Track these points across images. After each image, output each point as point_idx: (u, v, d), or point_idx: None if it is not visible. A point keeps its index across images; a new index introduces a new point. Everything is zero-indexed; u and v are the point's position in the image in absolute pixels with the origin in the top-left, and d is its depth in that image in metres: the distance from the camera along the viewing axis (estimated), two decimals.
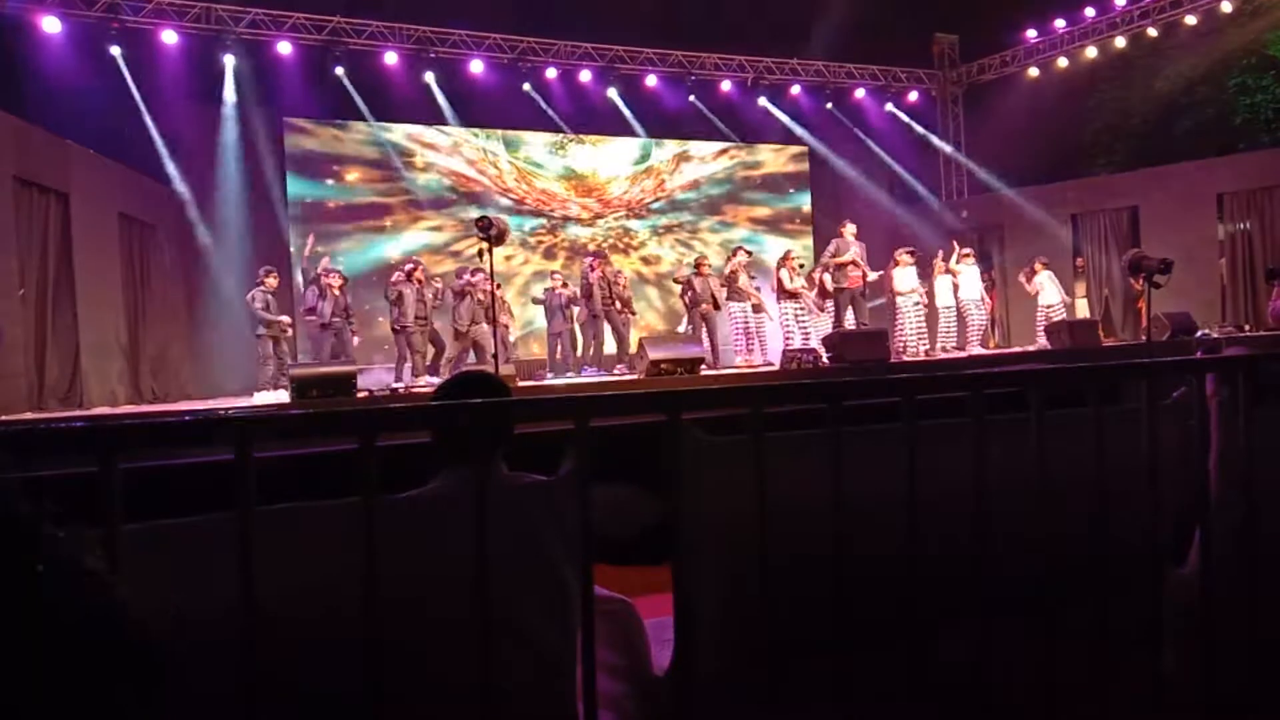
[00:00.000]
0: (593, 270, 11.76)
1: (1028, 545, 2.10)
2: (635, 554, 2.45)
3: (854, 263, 12.01)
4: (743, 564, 1.87)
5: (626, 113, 15.41)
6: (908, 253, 12.63)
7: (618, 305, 11.83)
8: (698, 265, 12.10)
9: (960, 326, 12.90)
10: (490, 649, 1.63)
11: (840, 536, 1.90)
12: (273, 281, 10.84)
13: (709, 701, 1.88)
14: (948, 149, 17.40)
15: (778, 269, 12.13)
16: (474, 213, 13.89)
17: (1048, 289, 13.04)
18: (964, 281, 12.82)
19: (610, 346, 12.10)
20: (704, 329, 11.73)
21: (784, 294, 11.90)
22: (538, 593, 1.77)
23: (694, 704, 1.90)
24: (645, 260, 16.25)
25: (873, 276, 12.73)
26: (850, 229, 12.35)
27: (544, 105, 14.88)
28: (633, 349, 11.64)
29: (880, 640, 1.95)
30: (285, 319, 10.88)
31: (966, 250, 13.25)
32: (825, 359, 9.78)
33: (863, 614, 1.92)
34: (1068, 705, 2.12)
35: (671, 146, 16.58)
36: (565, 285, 12.14)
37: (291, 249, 13.65)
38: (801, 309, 11.95)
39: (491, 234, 8.36)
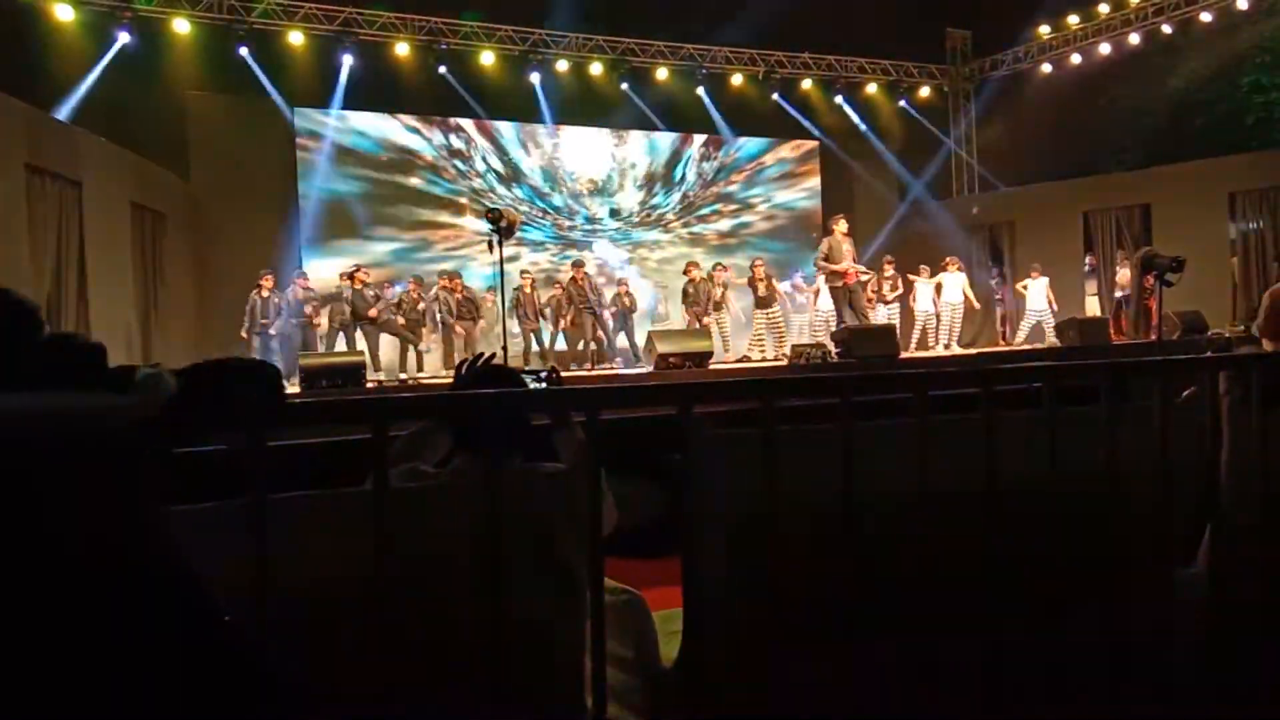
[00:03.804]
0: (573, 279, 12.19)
1: (1037, 542, 2.09)
2: (643, 546, 2.46)
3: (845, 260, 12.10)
4: (751, 557, 1.87)
5: (637, 107, 15.37)
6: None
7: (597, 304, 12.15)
8: (688, 270, 12.69)
9: (940, 326, 13.72)
10: (499, 638, 1.63)
11: (851, 530, 1.90)
12: (267, 284, 11.41)
13: (717, 693, 1.89)
14: (956, 148, 17.32)
15: (753, 278, 12.46)
16: (474, 206, 14.05)
17: (1034, 295, 13.66)
18: (947, 285, 13.63)
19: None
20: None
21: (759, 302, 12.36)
22: (547, 583, 1.77)
23: (702, 696, 1.90)
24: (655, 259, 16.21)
25: (866, 276, 12.84)
26: (841, 226, 12.32)
27: (552, 98, 14.85)
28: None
29: (888, 632, 1.95)
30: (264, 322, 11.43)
31: (950, 258, 13.96)
32: (834, 354, 9.77)
33: (872, 606, 1.93)
34: (1077, 701, 2.12)
35: (680, 140, 16.48)
36: (534, 284, 12.46)
37: (301, 236, 13.71)
38: (775, 313, 12.35)
39: (501, 226, 8.36)
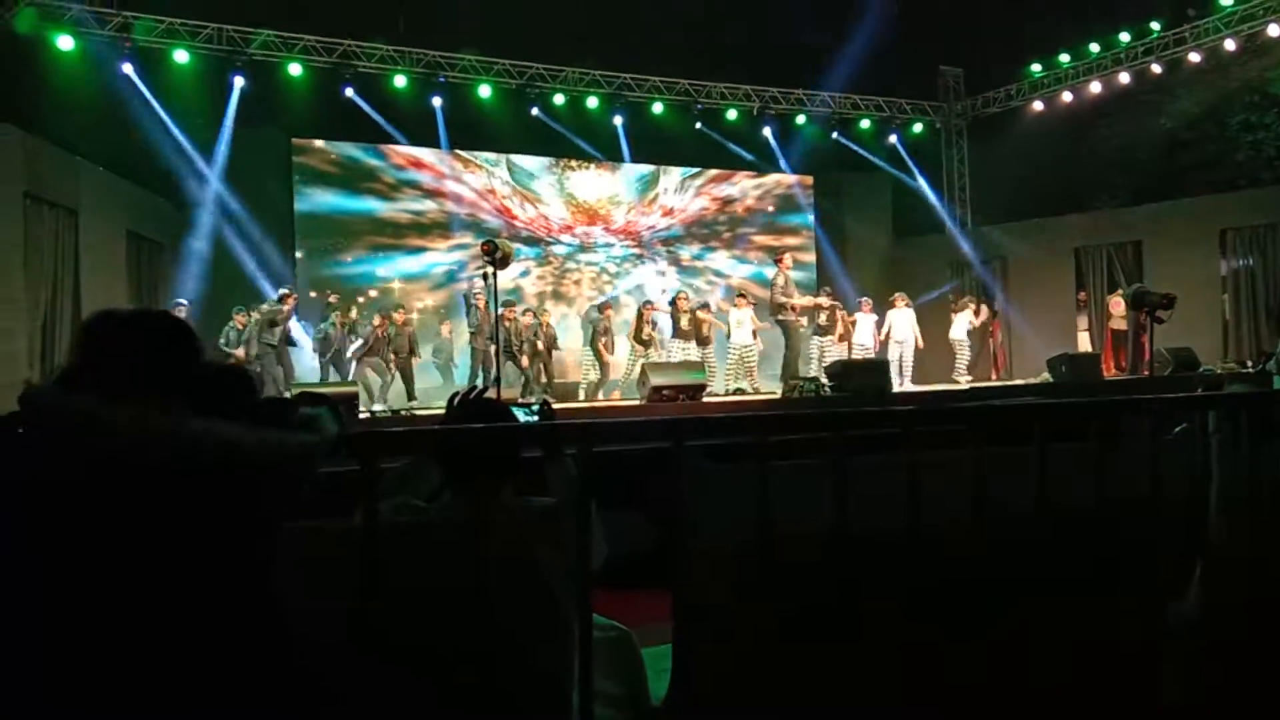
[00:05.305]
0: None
1: (1029, 577, 2.10)
2: (634, 578, 2.45)
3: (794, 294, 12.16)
4: (742, 593, 1.87)
5: (631, 141, 15.51)
6: (739, 296, 12.80)
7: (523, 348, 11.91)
8: (603, 308, 12.72)
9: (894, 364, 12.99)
10: (487, 673, 1.62)
11: (843, 566, 1.90)
12: (240, 320, 11.18)
13: None
14: (948, 184, 17.40)
15: (675, 310, 12.11)
16: (471, 236, 14.08)
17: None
18: (896, 323, 13.22)
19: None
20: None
21: (680, 334, 12.00)
22: (535, 618, 1.77)
23: None
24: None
25: (829, 304, 12.92)
26: (788, 260, 12.34)
27: (550, 131, 14.97)
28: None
29: (880, 668, 1.94)
30: (239, 352, 11.13)
31: (901, 295, 13.57)
32: (828, 388, 9.77)
33: (863, 641, 1.92)
34: None
35: (675, 174, 16.67)
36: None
37: (297, 266, 13.76)
38: (688, 348, 11.92)
39: (496, 257, 8.40)
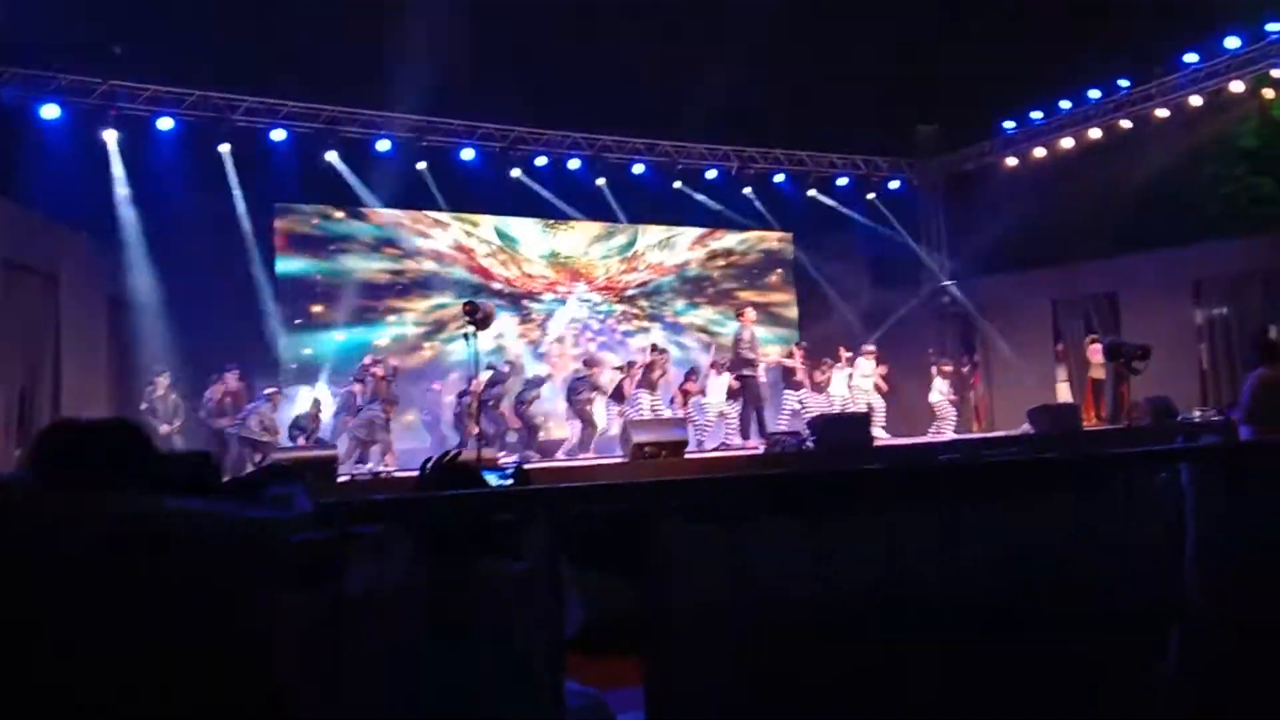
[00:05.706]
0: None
1: (1008, 635, 2.09)
2: (611, 643, 2.42)
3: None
4: (718, 658, 1.86)
5: (613, 200, 15.69)
6: (714, 365, 12.98)
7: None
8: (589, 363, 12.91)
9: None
10: None
11: (824, 626, 1.90)
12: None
13: None
14: (925, 239, 17.62)
15: (651, 364, 12.22)
16: (452, 295, 14.11)
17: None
18: (858, 373, 13.67)
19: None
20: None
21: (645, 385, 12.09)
22: (509, 686, 1.75)
23: None
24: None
25: (790, 363, 13.05)
26: (751, 314, 12.43)
27: (532, 192, 15.12)
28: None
29: None
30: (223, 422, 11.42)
31: (870, 348, 14.01)
32: (810, 442, 9.78)
33: (845, 700, 1.91)
34: None
35: (657, 232, 16.85)
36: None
37: (279, 332, 13.75)
38: (656, 400, 12.01)
39: (478, 318, 8.44)
